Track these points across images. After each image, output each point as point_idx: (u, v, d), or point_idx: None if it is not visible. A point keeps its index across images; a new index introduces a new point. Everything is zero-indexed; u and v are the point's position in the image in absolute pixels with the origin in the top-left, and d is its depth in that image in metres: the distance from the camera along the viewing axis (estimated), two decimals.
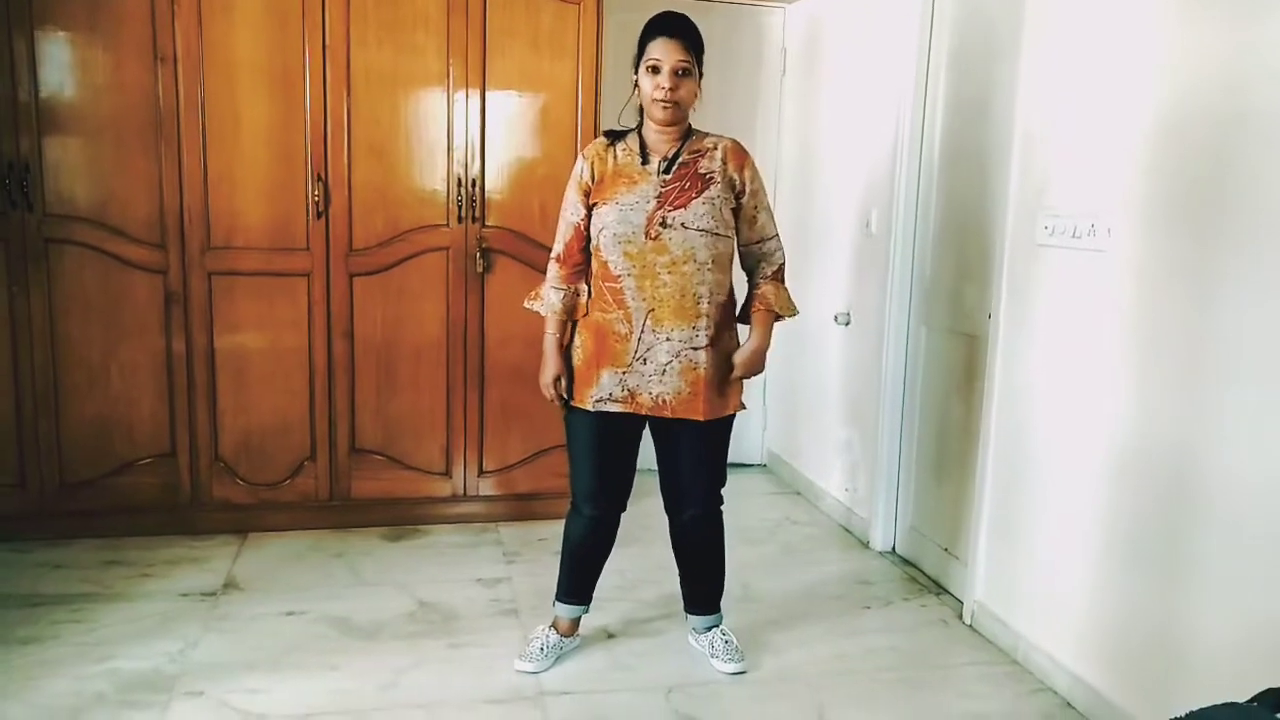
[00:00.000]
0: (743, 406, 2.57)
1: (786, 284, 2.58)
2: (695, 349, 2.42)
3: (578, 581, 2.69)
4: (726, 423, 2.57)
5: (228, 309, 3.43)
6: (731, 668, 2.65)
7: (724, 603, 2.80)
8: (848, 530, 3.83)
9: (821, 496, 4.10)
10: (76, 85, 3.23)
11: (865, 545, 3.66)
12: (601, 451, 2.54)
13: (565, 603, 2.69)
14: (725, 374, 2.49)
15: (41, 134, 3.22)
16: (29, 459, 3.36)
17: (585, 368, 2.49)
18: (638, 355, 2.42)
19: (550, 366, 2.53)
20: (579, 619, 2.72)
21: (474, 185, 3.52)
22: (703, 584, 2.74)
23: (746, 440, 4.64)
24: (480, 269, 3.55)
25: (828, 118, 4.07)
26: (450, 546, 3.53)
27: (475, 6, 3.43)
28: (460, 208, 3.51)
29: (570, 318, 2.54)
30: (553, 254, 2.55)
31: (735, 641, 2.71)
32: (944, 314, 3.32)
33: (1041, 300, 2.67)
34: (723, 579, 2.76)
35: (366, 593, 3.10)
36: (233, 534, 3.51)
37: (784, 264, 2.58)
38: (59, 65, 3.21)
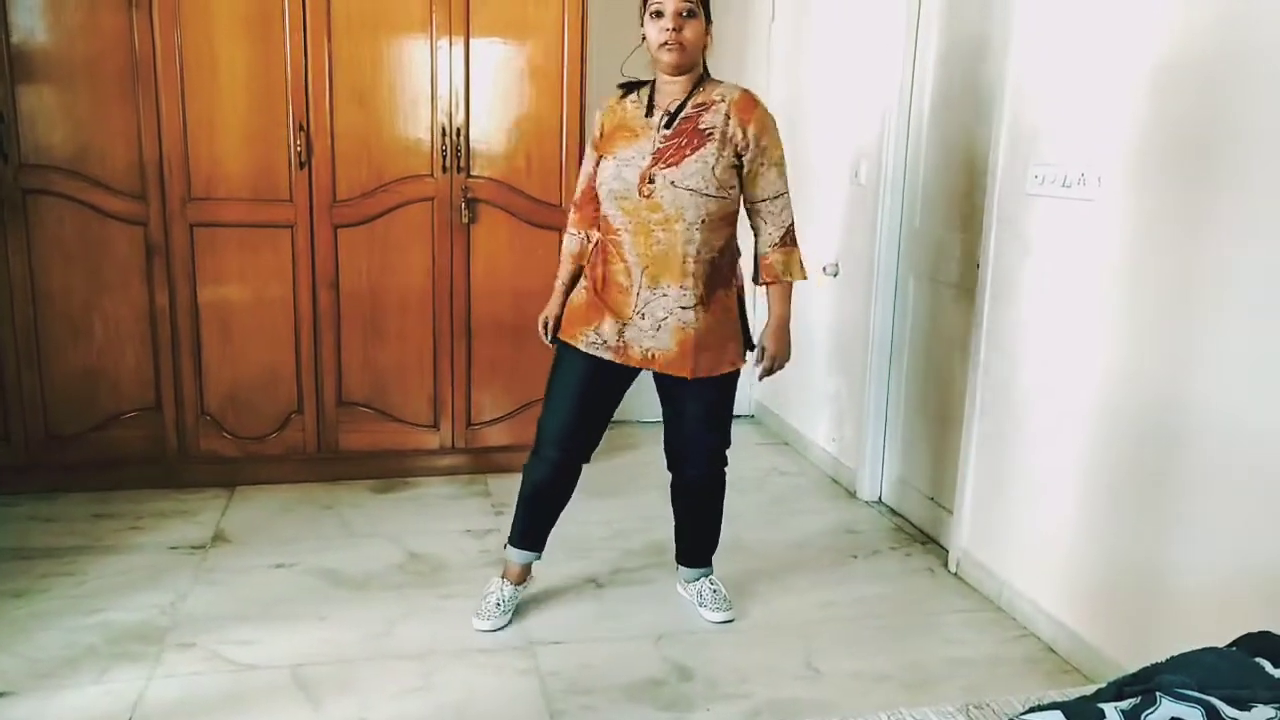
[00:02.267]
0: (742, 361, 2.53)
1: (798, 244, 2.50)
2: (684, 308, 2.39)
3: (534, 527, 2.65)
4: (726, 382, 2.53)
5: (210, 261, 3.39)
6: (719, 616, 2.67)
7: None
8: (835, 480, 3.85)
9: (809, 447, 4.12)
10: (49, 29, 3.15)
11: (852, 495, 3.69)
12: (583, 394, 2.50)
13: (519, 547, 2.65)
14: (719, 333, 2.45)
15: (15, 81, 3.15)
16: (13, 412, 3.34)
17: (586, 308, 2.47)
18: (637, 310, 2.40)
19: (551, 304, 2.59)
20: (530, 565, 2.70)
21: (459, 134, 3.46)
22: (698, 540, 2.75)
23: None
24: (466, 219, 3.52)
25: (817, 65, 4.02)
26: (438, 498, 3.54)
27: None
28: (445, 157, 3.47)
29: (579, 262, 2.56)
30: (574, 200, 2.61)
31: (723, 590, 2.73)
32: (933, 264, 3.31)
33: (1031, 250, 2.66)
34: (718, 535, 2.76)
35: (356, 544, 3.11)
36: (221, 487, 3.51)
37: (792, 224, 2.48)
38: (30, 8, 3.13)
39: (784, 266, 2.47)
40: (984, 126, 2.92)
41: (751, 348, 2.56)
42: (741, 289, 2.55)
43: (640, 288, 2.39)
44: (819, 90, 4.00)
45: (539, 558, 2.71)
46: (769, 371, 2.56)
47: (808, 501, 3.67)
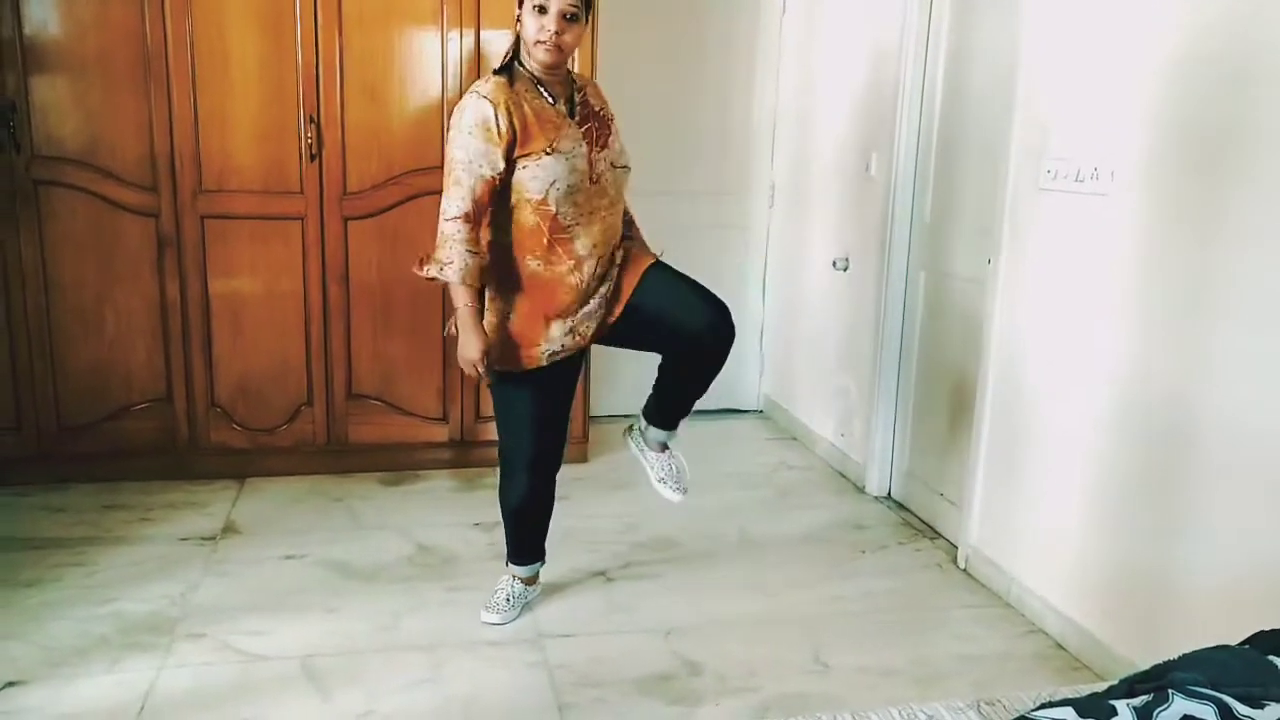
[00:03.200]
0: (658, 255, 2.47)
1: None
2: (612, 270, 2.38)
3: (527, 543, 2.65)
4: (659, 266, 2.43)
5: (221, 253, 3.40)
6: (676, 496, 2.64)
7: (719, 546, 2.80)
8: (843, 475, 3.85)
9: (817, 442, 4.11)
10: (61, 21, 3.16)
11: (861, 490, 3.69)
12: (540, 416, 2.45)
13: (521, 564, 2.67)
14: (630, 266, 2.41)
15: (27, 73, 3.16)
16: (25, 403, 3.36)
17: (527, 326, 2.35)
18: (585, 298, 2.36)
19: (475, 339, 2.27)
20: (538, 571, 2.71)
21: None
22: (687, 401, 2.57)
23: (742, 386, 4.64)
24: None
25: (828, 58, 4.00)
26: (448, 491, 3.54)
27: None
28: None
29: (479, 284, 2.31)
30: (455, 214, 2.23)
31: (686, 469, 2.67)
32: (943, 259, 3.30)
33: (1042, 245, 2.65)
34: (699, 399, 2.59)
35: (365, 537, 3.12)
36: (231, 479, 3.53)
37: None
38: (43, 2, 3.13)
39: (641, 245, 2.52)
40: (997, 120, 2.90)
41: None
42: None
43: (589, 279, 2.34)
44: (830, 82, 3.98)
45: (544, 563, 2.71)
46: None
47: (816, 496, 3.66)
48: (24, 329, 3.30)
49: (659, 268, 2.45)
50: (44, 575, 2.77)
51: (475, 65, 3.43)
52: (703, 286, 2.45)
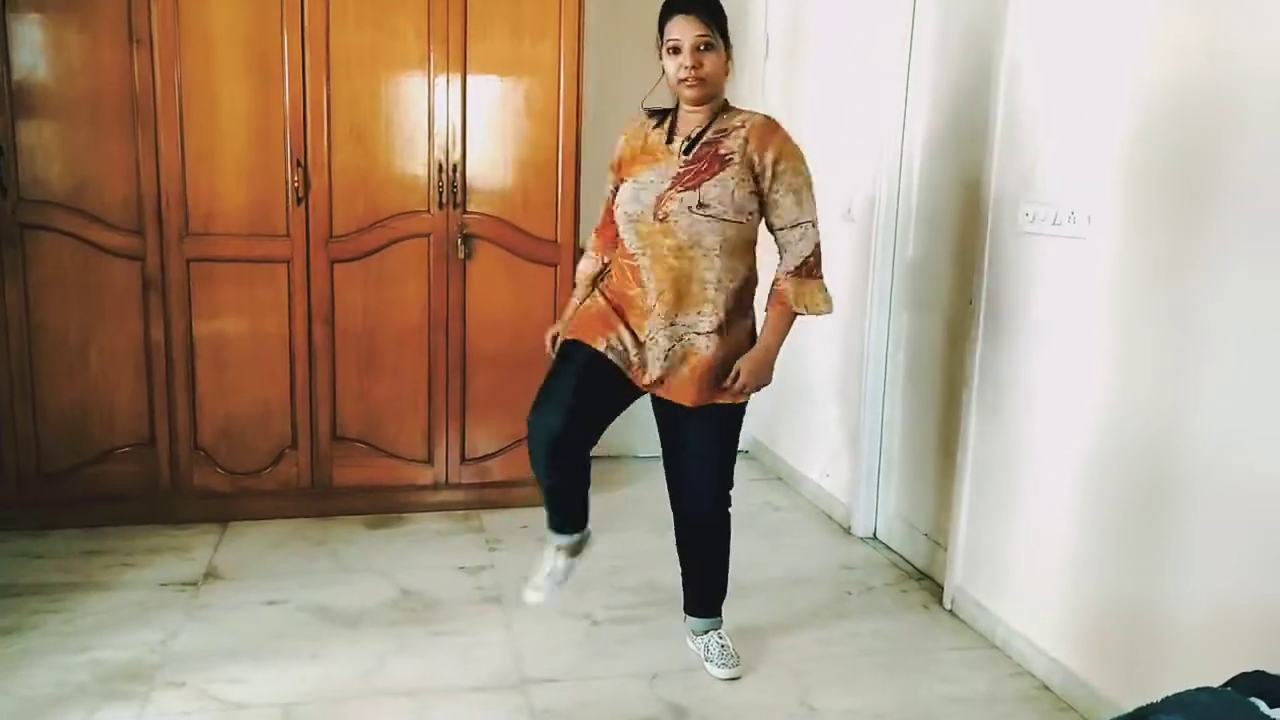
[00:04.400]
0: (746, 396, 2.45)
1: (822, 275, 2.42)
2: (699, 334, 2.35)
3: (563, 514, 2.52)
4: (730, 415, 2.45)
5: (207, 296, 3.40)
6: (725, 674, 2.57)
7: None
8: (829, 516, 3.85)
9: (803, 482, 4.12)
10: (51, 67, 3.19)
11: (847, 531, 3.68)
12: (594, 372, 2.38)
13: (559, 533, 2.54)
14: (731, 364, 2.37)
15: (15, 117, 3.17)
16: (6, 447, 3.33)
17: (603, 315, 2.42)
18: (651, 335, 2.37)
19: (561, 322, 2.60)
20: (581, 542, 2.58)
21: (455, 170, 3.49)
22: (703, 587, 2.66)
23: None
24: (462, 255, 3.53)
25: (810, 102, 4.06)
26: (432, 534, 3.52)
27: None
28: (442, 193, 3.49)
29: (594, 286, 2.58)
30: (597, 226, 2.63)
31: (732, 647, 2.62)
32: (926, 300, 3.33)
33: (1023, 287, 2.68)
34: (725, 582, 2.66)
35: (348, 580, 3.09)
36: (213, 522, 3.50)
37: (812, 255, 2.38)
38: (32, 47, 3.16)
39: (794, 295, 2.38)
40: (976, 163, 2.95)
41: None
42: (755, 322, 2.49)
43: (655, 314, 2.36)
44: (812, 126, 4.03)
45: (587, 531, 2.58)
46: (729, 389, 2.37)
47: (802, 538, 3.66)
48: (6, 373, 3.28)
49: (726, 420, 2.45)
50: (22, 623, 2.74)
51: (462, 109, 3.47)
52: (720, 461, 2.50)
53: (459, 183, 3.50)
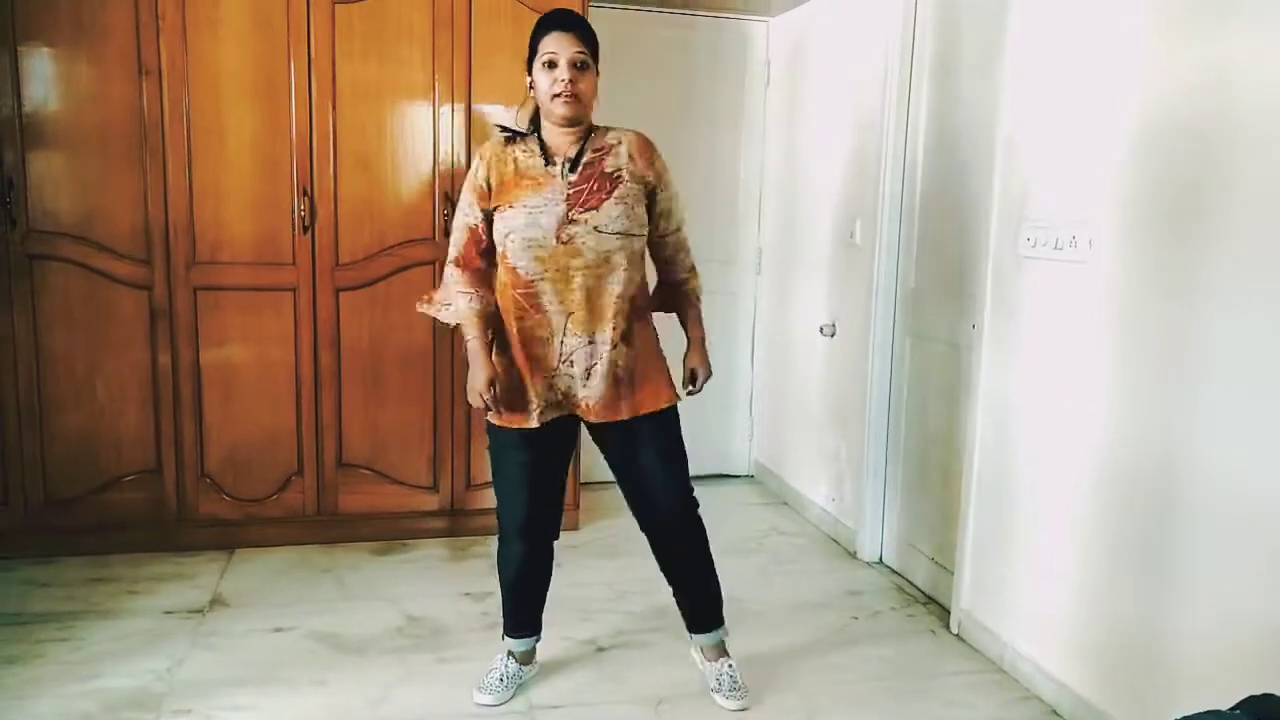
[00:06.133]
0: (677, 398, 2.48)
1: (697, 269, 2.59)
2: (611, 347, 2.35)
3: (523, 615, 2.60)
4: (671, 419, 2.46)
5: (214, 324, 3.42)
6: (732, 705, 2.54)
7: None
8: (835, 541, 3.84)
9: (808, 507, 4.11)
10: (61, 99, 3.23)
11: (853, 555, 3.68)
12: (533, 479, 2.43)
13: (515, 637, 2.61)
14: (646, 367, 2.42)
15: (25, 149, 3.21)
16: (13, 476, 3.34)
17: (518, 382, 2.38)
18: (563, 358, 2.34)
19: (482, 370, 2.35)
20: (534, 648, 2.66)
21: None
22: (694, 596, 2.63)
23: (733, 451, 4.65)
24: None
25: (811, 129, 4.10)
26: (438, 560, 3.52)
27: (460, 20, 3.45)
28: (446, 221, 3.52)
29: (487, 323, 2.39)
30: (451, 259, 2.41)
31: (741, 679, 2.60)
32: (928, 324, 3.35)
33: (1025, 311, 2.70)
34: (717, 588, 2.63)
35: (354, 607, 3.09)
36: (219, 550, 3.50)
37: (693, 261, 2.57)
38: (43, 80, 3.21)
39: (698, 290, 2.57)
40: (977, 189, 2.97)
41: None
42: (650, 321, 2.52)
43: (564, 335, 2.33)
44: (814, 153, 4.07)
45: (539, 638, 2.66)
46: (696, 392, 2.57)
47: (808, 562, 3.65)
48: (14, 402, 3.30)
49: (663, 425, 2.44)
50: (28, 651, 2.74)
51: (466, 137, 3.50)
52: (683, 466, 2.50)
53: None
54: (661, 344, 2.51)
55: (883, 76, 3.46)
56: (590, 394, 2.37)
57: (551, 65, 2.28)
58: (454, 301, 2.39)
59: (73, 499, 3.40)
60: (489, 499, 3.70)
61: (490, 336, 2.41)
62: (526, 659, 2.65)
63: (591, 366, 2.36)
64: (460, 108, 3.49)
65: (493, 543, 3.63)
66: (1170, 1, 2.19)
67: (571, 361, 2.35)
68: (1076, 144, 2.49)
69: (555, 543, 2.57)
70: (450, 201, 3.51)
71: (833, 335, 3.86)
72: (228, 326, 3.44)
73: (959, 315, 3.13)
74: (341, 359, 3.53)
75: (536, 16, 3.42)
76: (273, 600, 3.12)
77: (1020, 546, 2.73)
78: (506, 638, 2.63)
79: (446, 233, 3.51)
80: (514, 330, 2.37)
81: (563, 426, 2.44)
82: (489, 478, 3.65)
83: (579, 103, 2.29)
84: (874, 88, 3.52)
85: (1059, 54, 2.56)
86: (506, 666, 2.60)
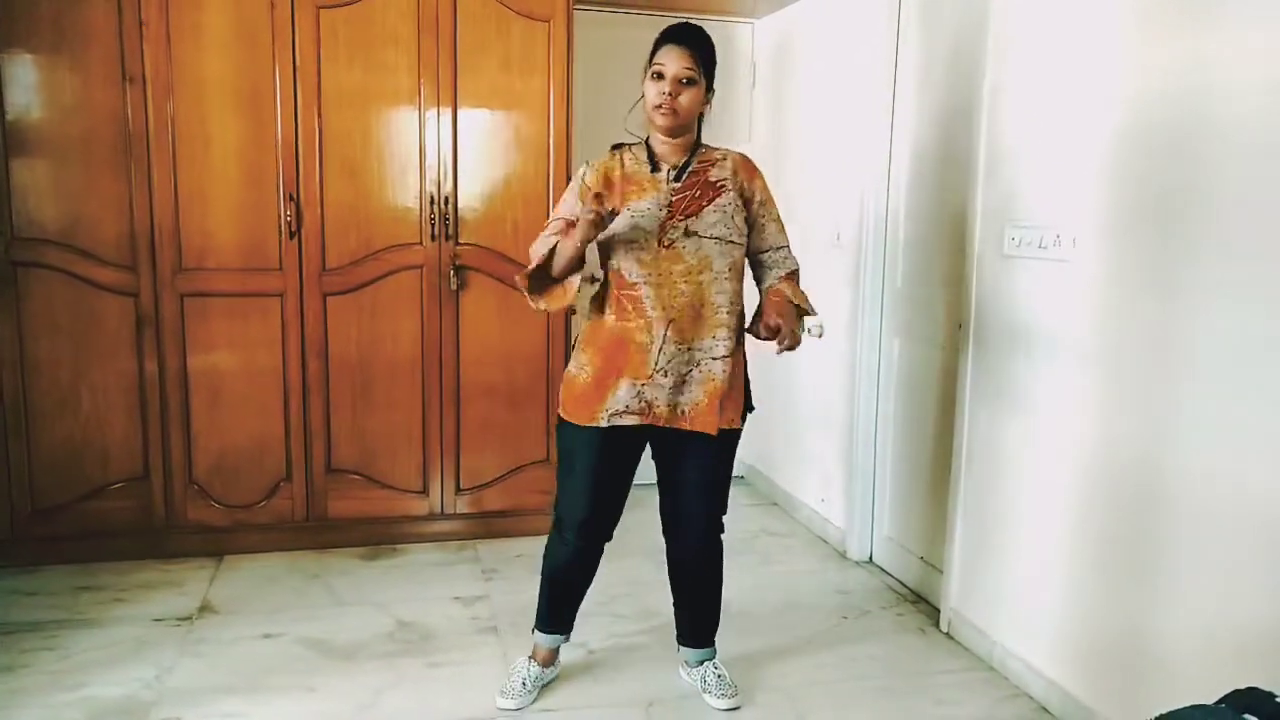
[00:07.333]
0: (742, 421, 2.47)
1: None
2: (715, 359, 2.36)
3: (559, 610, 2.60)
4: (729, 441, 2.46)
5: (200, 330, 3.41)
6: (725, 704, 2.56)
7: None
8: (824, 541, 3.85)
9: (798, 507, 4.12)
10: (44, 106, 3.21)
11: (842, 555, 3.69)
12: (602, 474, 2.42)
13: (546, 632, 2.61)
14: (735, 387, 2.41)
15: (9, 156, 3.20)
16: None
17: (595, 384, 2.36)
18: (659, 366, 2.33)
19: (572, 235, 2.25)
20: (558, 648, 2.66)
21: (446, 203, 3.52)
22: (698, 617, 2.65)
23: None
24: (454, 286, 3.55)
25: (797, 131, 4.11)
26: (428, 565, 3.52)
27: (446, 25, 3.45)
28: (433, 225, 3.52)
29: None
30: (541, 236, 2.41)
31: (729, 676, 2.62)
32: (915, 325, 3.36)
33: (1010, 311, 2.71)
34: (719, 612, 2.66)
35: (344, 613, 3.08)
36: (208, 556, 3.49)
37: (798, 270, 2.51)
38: (26, 86, 3.19)
39: (793, 291, 2.42)
40: (962, 188, 2.98)
41: (751, 409, 2.51)
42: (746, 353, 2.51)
43: (664, 342, 2.32)
44: (799, 154, 4.09)
45: (567, 639, 2.66)
46: (785, 344, 2.29)
47: (797, 562, 3.66)
48: None
49: (725, 446, 2.45)
50: (13, 661, 2.72)
51: (453, 141, 3.50)
52: (718, 489, 2.51)
53: (450, 215, 3.53)
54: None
55: (868, 77, 3.47)
56: (688, 400, 2.37)
57: (659, 77, 2.32)
58: (536, 248, 2.38)
59: (59, 507, 3.38)
60: (479, 503, 3.72)
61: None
62: (549, 660, 2.64)
63: (688, 374, 2.36)
64: (447, 112, 3.49)
65: (482, 546, 3.67)
66: (1152, 3, 2.21)
67: (666, 371, 2.34)
68: (1060, 143, 2.50)
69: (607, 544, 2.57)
70: (436, 205, 3.50)
71: (820, 336, 3.84)
72: (214, 333, 3.43)
73: (945, 315, 3.14)
74: (329, 364, 3.52)
75: (521, 19, 3.49)
76: (262, 607, 3.11)
77: (1009, 545, 2.75)
78: (536, 631, 2.62)
79: (433, 237, 3.52)
80: (613, 328, 2.37)
81: (635, 434, 2.42)
82: (478, 482, 3.70)
83: (677, 116, 2.32)
84: (859, 88, 3.53)
85: (1042, 53, 2.58)
86: (528, 669, 2.59)
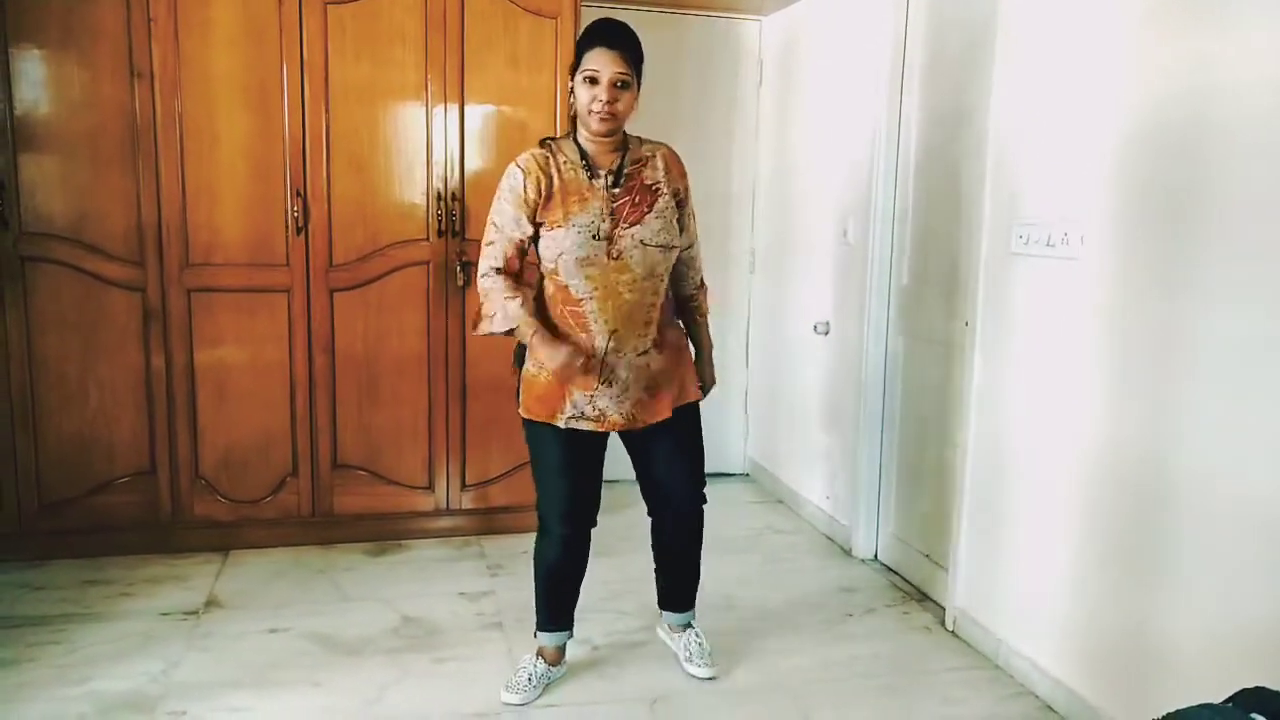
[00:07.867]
0: (702, 394, 2.59)
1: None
2: (644, 353, 2.42)
3: (557, 608, 2.62)
4: (692, 413, 2.56)
5: (207, 325, 3.42)
6: (704, 672, 2.67)
7: (707, 612, 2.80)
8: (830, 538, 3.85)
9: (803, 505, 4.12)
10: (52, 102, 3.22)
11: (847, 553, 3.68)
12: (573, 467, 2.47)
13: (548, 631, 2.62)
14: (677, 369, 2.51)
15: (17, 151, 3.20)
16: (6, 478, 3.33)
17: (550, 386, 2.40)
18: (603, 378, 2.38)
19: (556, 351, 2.29)
20: (564, 645, 2.67)
21: (453, 199, 3.52)
22: (680, 580, 2.74)
23: (728, 449, 4.66)
24: (461, 283, 3.56)
25: (804, 128, 4.10)
26: (433, 561, 3.52)
27: (453, 21, 3.45)
28: (440, 221, 3.52)
29: (533, 313, 2.36)
30: (487, 270, 2.36)
31: (708, 645, 2.72)
32: (921, 322, 3.35)
33: (1017, 308, 2.70)
34: (698, 574, 2.76)
35: (349, 608, 3.09)
36: (214, 551, 3.49)
37: (702, 270, 2.64)
38: (34, 82, 3.20)
39: (705, 307, 2.64)
40: (968, 186, 2.98)
41: (714, 381, 2.67)
42: (675, 321, 2.60)
43: (606, 353, 2.37)
44: (807, 152, 4.08)
45: (571, 635, 2.68)
46: (705, 395, 2.64)
47: (802, 560, 3.66)
48: (7, 404, 3.29)
49: (685, 420, 2.53)
50: (20, 655, 2.73)
51: (460, 139, 3.50)
52: (700, 461, 2.60)
53: (457, 211, 3.53)
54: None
55: (875, 74, 3.46)
56: (633, 402, 2.42)
57: (593, 81, 2.29)
58: (498, 310, 2.34)
59: (66, 501, 3.39)
60: (484, 499, 3.72)
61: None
62: (556, 658, 2.65)
63: (628, 378, 2.40)
64: (453, 108, 3.49)
65: (487, 542, 3.67)
66: (1159, 3, 2.21)
67: (610, 381, 2.39)
68: (1067, 141, 2.50)
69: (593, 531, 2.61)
70: (443, 202, 3.51)
71: (826, 333, 3.87)
72: (221, 328, 3.43)
73: (951, 312, 3.14)
74: (335, 360, 3.53)
75: (528, 16, 3.49)
76: (268, 601, 3.12)
77: (1014, 543, 2.74)
78: (538, 634, 2.64)
79: (440, 233, 3.52)
80: (559, 336, 2.40)
81: (598, 434, 2.48)
82: (483, 478, 3.70)
83: (614, 121, 2.33)
84: (867, 85, 3.53)
85: (1050, 51, 2.57)
86: (535, 666, 2.61)
